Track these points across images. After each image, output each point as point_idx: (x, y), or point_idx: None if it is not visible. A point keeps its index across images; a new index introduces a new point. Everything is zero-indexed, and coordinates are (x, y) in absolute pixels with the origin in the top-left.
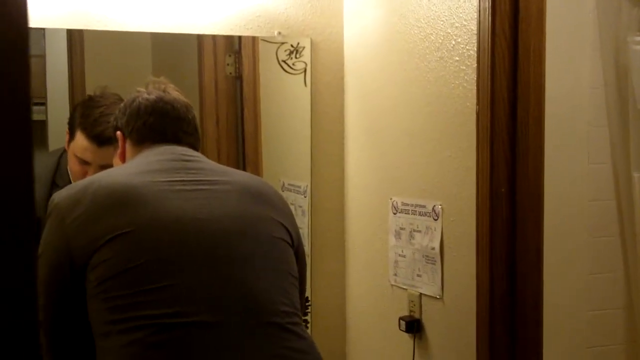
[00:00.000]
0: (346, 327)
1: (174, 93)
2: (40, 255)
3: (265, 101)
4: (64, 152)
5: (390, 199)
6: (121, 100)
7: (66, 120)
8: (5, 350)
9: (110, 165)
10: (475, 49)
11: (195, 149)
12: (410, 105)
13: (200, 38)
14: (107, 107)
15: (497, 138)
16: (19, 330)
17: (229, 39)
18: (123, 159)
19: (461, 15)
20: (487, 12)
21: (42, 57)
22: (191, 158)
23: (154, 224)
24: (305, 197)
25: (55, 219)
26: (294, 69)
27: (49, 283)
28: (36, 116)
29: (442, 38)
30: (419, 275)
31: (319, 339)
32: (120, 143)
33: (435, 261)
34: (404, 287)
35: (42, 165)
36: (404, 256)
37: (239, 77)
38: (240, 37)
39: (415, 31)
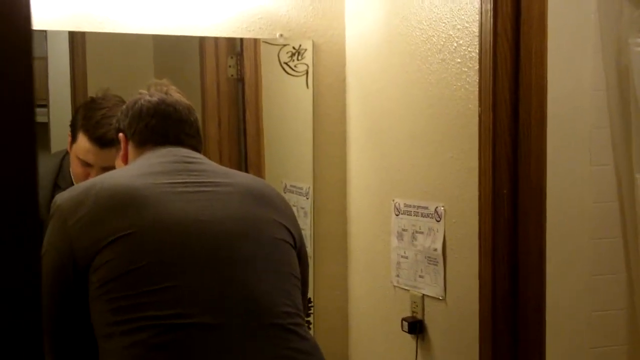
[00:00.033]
0: (348, 328)
1: (176, 95)
2: (42, 256)
3: (267, 103)
4: (66, 154)
5: (393, 200)
6: (123, 102)
7: (68, 123)
8: (9, 351)
9: (112, 167)
10: (477, 51)
11: (198, 151)
12: (412, 107)
13: (202, 40)
14: (110, 109)
15: (499, 140)
16: (22, 332)
17: (230, 41)
18: (125, 161)
19: (463, 17)
20: (489, 14)
21: (45, 59)
22: (193, 160)
23: (156, 225)
24: (307, 198)
25: (57, 221)
26: (296, 71)
27: (52, 284)
28: (38, 118)
29: (444, 40)
30: (421, 277)
31: (322, 340)
32: (122, 145)
33: (437, 262)
34: (407, 288)
35: (44, 167)
36: (407, 257)
37: (240, 79)
38: (242, 39)
39: (417, 33)
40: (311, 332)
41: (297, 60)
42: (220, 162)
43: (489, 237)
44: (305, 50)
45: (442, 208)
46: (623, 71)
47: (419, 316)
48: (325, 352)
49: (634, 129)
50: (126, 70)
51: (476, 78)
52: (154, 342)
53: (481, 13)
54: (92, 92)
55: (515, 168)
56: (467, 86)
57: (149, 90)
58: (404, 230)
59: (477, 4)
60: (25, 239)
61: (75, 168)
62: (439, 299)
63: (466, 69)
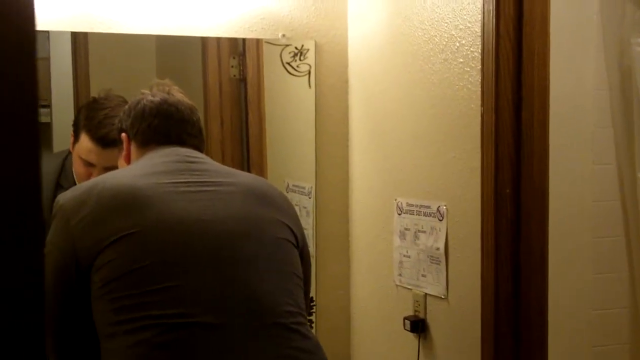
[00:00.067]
0: (351, 327)
1: (178, 95)
2: (45, 256)
3: (269, 103)
4: (68, 154)
5: (395, 199)
6: (125, 102)
7: (71, 123)
8: (12, 352)
9: (114, 167)
10: (480, 51)
11: (200, 150)
12: (414, 107)
13: (204, 40)
14: (112, 109)
15: (502, 139)
16: (25, 332)
17: (233, 41)
18: (128, 161)
19: (465, 17)
20: (492, 15)
21: (47, 59)
22: (196, 159)
23: (159, 225)
24: (309, 198)
25: (60, 221)
26: (298, 71)
27: (54, 284)
28: (41, 118)
29: (446, 40)
30: (423, 276)
31: (324, 339)
32: (124, 145)
33: (440, 261)
34: (409, 287)
35: (46, 167)
36: (409, 256)
37: (243, 80)
38: (244, 40)
39: (420, 33)
40: (313, 331)
41: (300, 60)
42: (223, 162)
43: (491, 237)
44: (308, 50)
45: (444, 207)
46: (625, 71)
47: (421, 315)
48: (327, 351)
49: (636, 128)
50: (128, 70)
51: (479, 78)
52: (157, 341)
53: (483, 13)
54: (94, 92)
55: (517, 167)
56: (469, 86)
57: (151, 90)
58: (406, 229)
59: (479, 5)
60: (28, 239)
61: (77, 168)
62: (441, 298)
63: (469, 69)
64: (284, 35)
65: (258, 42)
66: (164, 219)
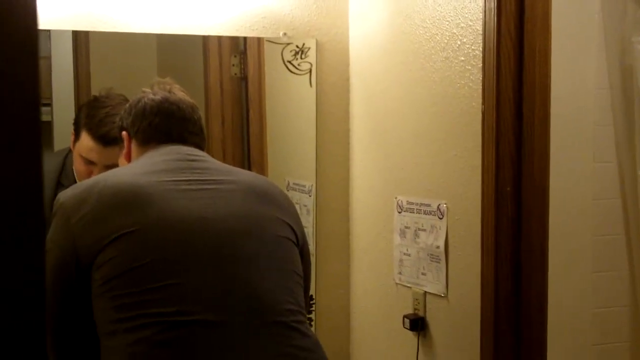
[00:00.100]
0: (350, 325)
1: (179, 94)
2: (45, 254)
3: (270, 102)
4: (69, 152)
5: (395, 198)
6: (126, 100)
7: (72, 121)
8: (13, 350)
9: (115, 166)
10: (481, 49)
11: (201, 149)
12: (415, 105)
13: (205, 39)
14: (113, 107)
15: (503, 138)
16: (26, 330)
17: (234, 39)
18: (128, 159)
19: (467, 15)
20: (493, 13)
21: (48, 58)
22: (197, 158)
23: (160, 223)
24: (310, 196)
25: (60, 219)
26: (300, 70)
27: (54, 282)
28: (42, 117)
29: (447, 38)
30: (423, 274)
31: (324, 337)
32: (125, 143)
33: (440, 260)
34: (409, 285)
35: (47, 165)
36: (409, 255)
37: (244, 78)
38: (245, 38)
39: (421, 32)
40: (313, 329)
41: (301, 58)
42: (224, 160)
43: (491, 235)
44: (309, 48)
45: (444, 205)
46: (627, 70)
47: (421, 313)
48: (327, 349)
49: (637, 126)
50: (129, 69)
51: (480, 76)
52: (158, 339)
53: (485, 11)
54: (95, 91)
55: (518, 165)
56: (470, 84)
57: (152, 88)
58: (406, 227)
59: (480, 3)
60: (29, 237)
61: (78, 166)
62: (441, 296)
63: (470, 67)
64: (285, 34)
65: (259, 40)
66: (164, 217)
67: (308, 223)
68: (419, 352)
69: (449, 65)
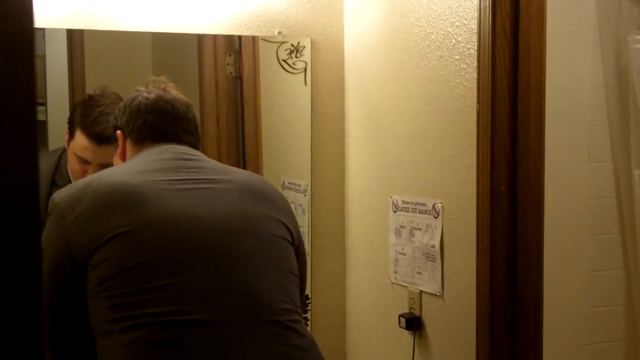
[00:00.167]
0: (346, 324)
1: (174, 92)
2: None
3: (265, 101)
4: (63, 151)
5: (391, 197)
6: (121, 99)
7: (66, 120)
8: (9, 351)
9: (110, 164)
10: (476, 48)
11: (196, 148)
12: (410, 104)
13: (200, 38)
14: (107, 106)
15: (498, 136)
16: (23, 331)
17: (229, 38)
18: (123, 158)
19: (461, 14)
20: (488, 11)
21: (43, 57)
22: (192, 157)
23: (155, 222)
24: (305, 195)
25: (55, 218)
26: (295, 69)
27: (49, 282)
28: (37, 116)
29: (442, 37)
30: (419, 273)
31: (320, 337)
32: (120, 142)
33: (435, 259)
34: (404, 284)
35: (42, 164)
36: (404, 254)
37: (239, 77)
38: (240, 37)
39: (416, 30)
40: (309, 328)
41: (296, 57)
42: (219, 159)
43: (487, 233)
44: (304, 47)
45: (439, 204)
46: (622, 69)
47: (417, 312)
48: (323, 349)
49: (632, 125)
50: (124, 68)
51: (475, 75)
52: (153, 339)
53: (480, 10)
54: (90, 90)
55: (513, 164)
56: (465, 83)
57: (146, 87)
58: (401, 226)
59: (475, 1)
60: (26, 237)
61: (72, 165)
62: (436, 295)
63: (465, 66)
64: (280, 33)
65: (254, 39)
66: (159, 216)
67: (303, 222)
68: (415, 351)
69: (444, 64)
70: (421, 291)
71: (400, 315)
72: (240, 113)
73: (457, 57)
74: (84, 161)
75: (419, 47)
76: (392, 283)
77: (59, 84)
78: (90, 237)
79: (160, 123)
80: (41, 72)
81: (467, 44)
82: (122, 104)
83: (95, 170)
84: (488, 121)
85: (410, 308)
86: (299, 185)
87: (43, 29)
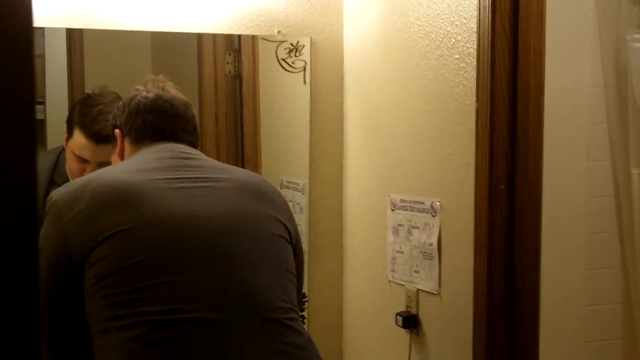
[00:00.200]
0: (343, 322)
1: (172, 91)
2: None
3: (264, 100)
4: (62, 150)
5: (389, 195)
6: (120, 98)
7: (65, 120)
8: (7, 350)
9: (108, 163)
10: (475, 47)
11: (195, 147)
12: (410, 103)
13: (199, 37)
14: (106, 105)
15: (497, 135)
16: (20, 330)
17: (228, 37)
18: (121, 157)
19: (461, 13)
20: (487, 10)
21: (42, 56)
22: (190, 156)
23: (153, 221)
24: (303, 194)
25: (53, 217)
26: (294, 68)
27: (47, 280)
28: (36, 115)
29: (442, 36)
30: (416, 271)
31: (317, 335)
32: (118, 141)
33: (432, 257)
34: (402, 283)
35: (40, 163)
36: (402, 252)
37: (238, 76)
38: (239, 36)
39: (415, 29)
40: (306, 327)
41: (295, 56)
42: (218, 158)
43: (485, 232)
44: (303, 46)
45: (437, 203)
46: (621, 68)
47: (414, 311)
48: (320, 347)
49: (631, 124)
50: (124, 67)
51: (474, 74)
52: (151, 338)
53: (479, 9)
54: (89, 89)
55: (512, 163)
56: (465, 82)
57: (145, 86)
58: (399, 225)
59: (475, 0)
60: (24, 236)
61: (71, 164)
62: (433, 293)
63: (464, 65)
64: (279, 32)
65: (253, 38)
66: (158, 215)
67: (301, 221)
68: (412, 350)
69: (444, 63)
70: (418, 289)
71: (397, 314)
72: (239, 112)
73: (457, 56)
74: (82, 160)
75: (418, 46)
76: (390, 281)
77: (58, 83)
78: (88, 235)
79: (159, 122)
80: (40, 71)
81: (466, 43)
82: (121, 103)
83: (93, 169)
84: (487, 120)
85: (408, 306)
86: (298, 184)
87: (42, 28)
